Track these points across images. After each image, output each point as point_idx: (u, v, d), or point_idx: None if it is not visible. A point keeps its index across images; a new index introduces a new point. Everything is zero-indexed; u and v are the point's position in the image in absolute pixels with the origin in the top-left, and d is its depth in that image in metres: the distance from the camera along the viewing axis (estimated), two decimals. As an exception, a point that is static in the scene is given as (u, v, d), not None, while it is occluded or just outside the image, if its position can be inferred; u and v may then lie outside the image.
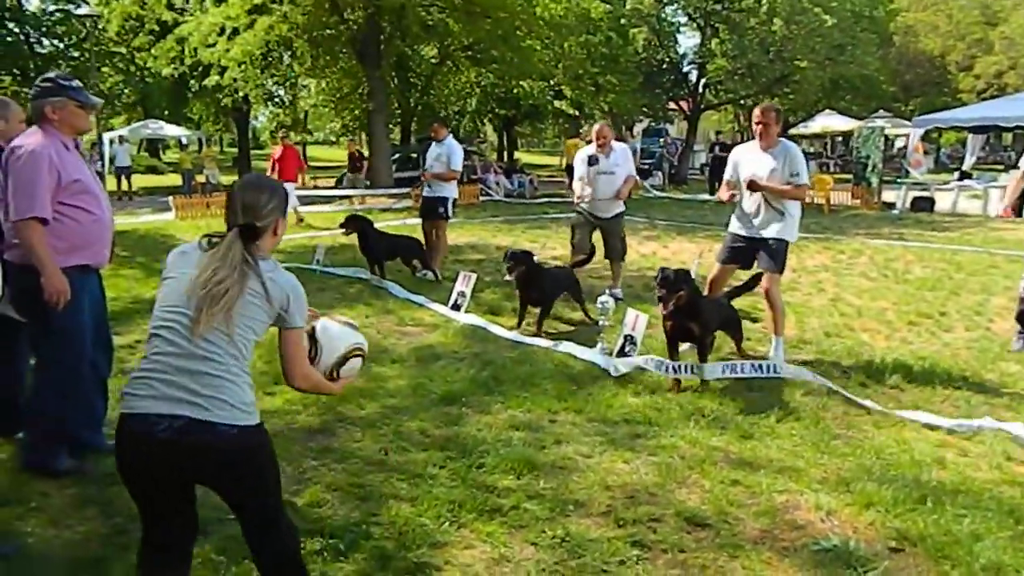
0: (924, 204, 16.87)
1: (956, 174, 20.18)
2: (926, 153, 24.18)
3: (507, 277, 6.27)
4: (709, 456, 3.79)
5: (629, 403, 4.51)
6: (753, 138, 5.50)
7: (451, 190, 8.69)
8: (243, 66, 19.31)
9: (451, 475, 3.56)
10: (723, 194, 5.58)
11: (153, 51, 19.54)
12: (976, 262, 9.68)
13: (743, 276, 5.73)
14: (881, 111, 31.36)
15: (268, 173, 14.20)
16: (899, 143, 30.16)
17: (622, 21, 27.19)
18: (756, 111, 5.43)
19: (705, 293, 5.54)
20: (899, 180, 18.87)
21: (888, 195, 17.88)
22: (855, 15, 30.14)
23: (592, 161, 7.22)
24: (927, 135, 22.74)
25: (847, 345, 5.91)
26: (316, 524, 3.09)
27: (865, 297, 7.73)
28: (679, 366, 4.84)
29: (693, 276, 5.08)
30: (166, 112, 30.19)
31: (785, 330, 6.06)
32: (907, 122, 24.07)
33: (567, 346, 5.65)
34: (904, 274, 9.01)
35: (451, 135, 8.84)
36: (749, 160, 5.45)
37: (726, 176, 5.67)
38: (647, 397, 4.63)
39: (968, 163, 20.83)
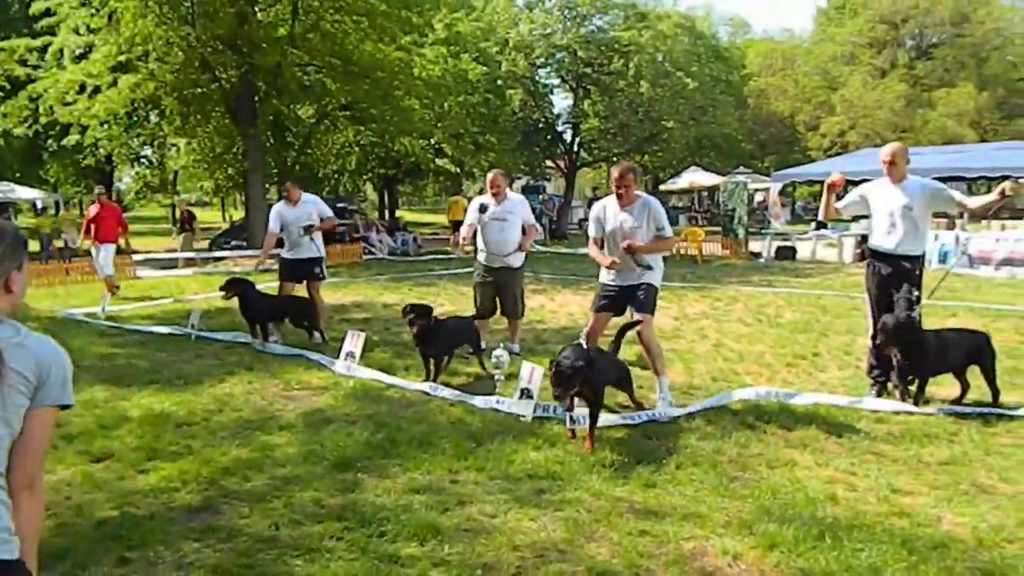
0: (787, 253, 17.99)
1: (813, 224, 21.69)
2: (784, 206, 25.98)
3: (413, 330, 6.14)
4: (615, 507, 3.75)
5: (531, 458, 4.43)
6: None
7: (322, 248, 8.31)
8: (106, 125, 18.37)
9: (350, 547, 3.34)
10: (603, 260, 5.56)
11: (2, 109, 18.27)
12: (839, 305, 10.33)
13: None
14: (741, 167, 33.48)
15: (81, 235, 13.52)
16: (759, 197, 32.25)
17: (499, 82, 27.95)
18: (614, 173, 5.55)
19: (586, 343, 5.47)
20: (763, 231, 20.09)
21: (754, 245, 18.97)
22: (714, 79, 32.40)
23: (483, 208, 7.15)
24: (784, 189, 24.44)
25: (733, 389, 6.08)
26: (202, 614, 2.80)
27: (744, 341, 8.05)
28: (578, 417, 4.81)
29: (581, 340, 5.23)
30: (18, 174, 28.20)
31: (674, 376, 6.22)
32: (765, 177, 25.79)
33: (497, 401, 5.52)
34: (776, 318, 9.48)
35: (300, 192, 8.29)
36: (611, 216, 5.57)
37: (591, 233, 5.74)
38: (548, 451, 4.56)
39: (822, 214, 22.41)
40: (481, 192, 7.46)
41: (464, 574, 3.12)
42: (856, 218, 22.50)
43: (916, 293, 5.49)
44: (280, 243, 8.43)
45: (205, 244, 23.21)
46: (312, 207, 8.18)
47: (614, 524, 3.56)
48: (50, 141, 20.36)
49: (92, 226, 12.51)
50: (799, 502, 3.79)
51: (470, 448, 4.59)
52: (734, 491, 3.95)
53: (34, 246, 22.68)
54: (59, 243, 21.70)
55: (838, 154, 31.26)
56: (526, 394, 5.29)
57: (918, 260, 5.58)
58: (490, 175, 7.37)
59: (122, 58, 17.11)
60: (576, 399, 4.85)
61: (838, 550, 3.24)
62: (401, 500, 3.84)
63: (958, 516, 3.64)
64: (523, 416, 5.19)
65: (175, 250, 21.83)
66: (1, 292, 1.81)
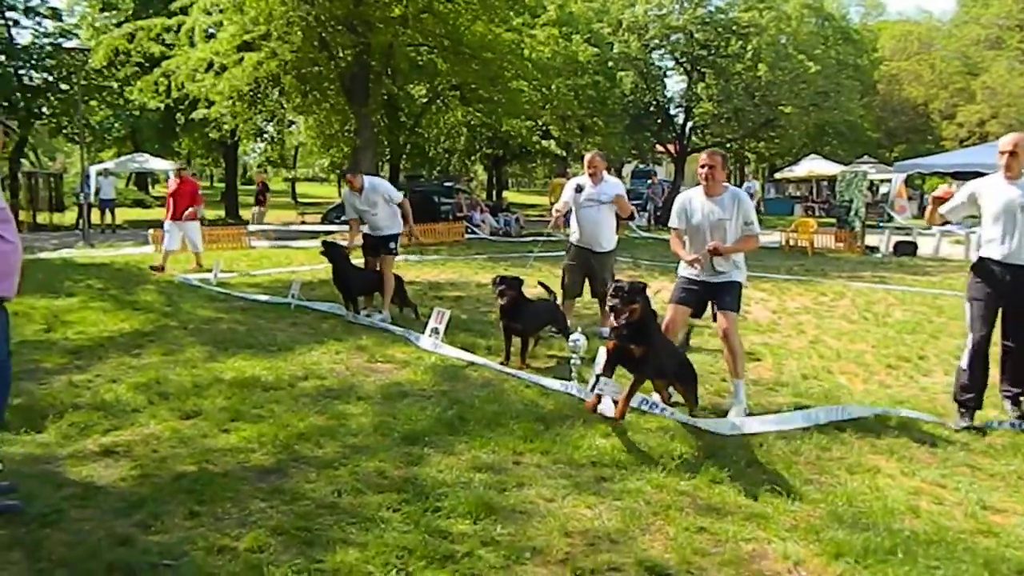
0: (907, 248, 16.94)
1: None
2: (910, 199, 24.43)
3: (500, 301, 6.19)
4: (676, 502, 3.64)
5: (597, 445, 4.37)
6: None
7: (398, 226, 8.27)
8: (231, 101, 19.34)
9: (405, 519, 3.40)
10: (686, 256, 5.27)
11: (138, 84, 19.54)
12: (956, 307, 9.58)
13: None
14: (866, 156, 31.72)
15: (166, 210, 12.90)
16: (883, 188, 30.49)
17: (609, 64, 27.55)
18: (704, 156, 5.20)
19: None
20: (882, 224, 18.98)
21: (871, 239, 17.96)
22: (839, 63, 30.79)
23: (579, 188, 7.11)
24: (911, 181, 22.98)
25: (824, 388, 5.81)
26: (254, 571, 2.92)
27: (844, 340, 7.65)
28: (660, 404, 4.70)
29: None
30: (156, 147, 30.17)
31: (762, 371, 5.98)
32: (890, 167, 24.30)
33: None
34: (885, 317, 8.96)
35: (366, 177, 8.23)
36: (697, 208, 5.23)
37: (674, 224, 5.40)
38: (616, 439, 4.48)
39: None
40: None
41: (512, 556, 3.11)
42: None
43: None
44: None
45: (318, 218, 24.14)
46: (377, 193, 8.10)
47: (672, 518, 3.46)
48: (179, 115, 21.53)
49: (171, 200, 12.49)
50: (876, 511, 3.57)
51: (538, 431, 4.58)
52: (806, 494, 3.76)
53: (163, 214, 24.29)
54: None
55: (975, 144, 29.05)
56: (601, 379, 5.20)
57: None
58: (588, 156, 7.33)
59: (247, 37, 17.92)
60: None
61: (910, 565, 3.03)
62: (462, 477, 3.87)
63: (1054, 541, 3.33)
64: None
65: (290, 223, 22.83)
66: None
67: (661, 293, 10.48)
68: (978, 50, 41.26)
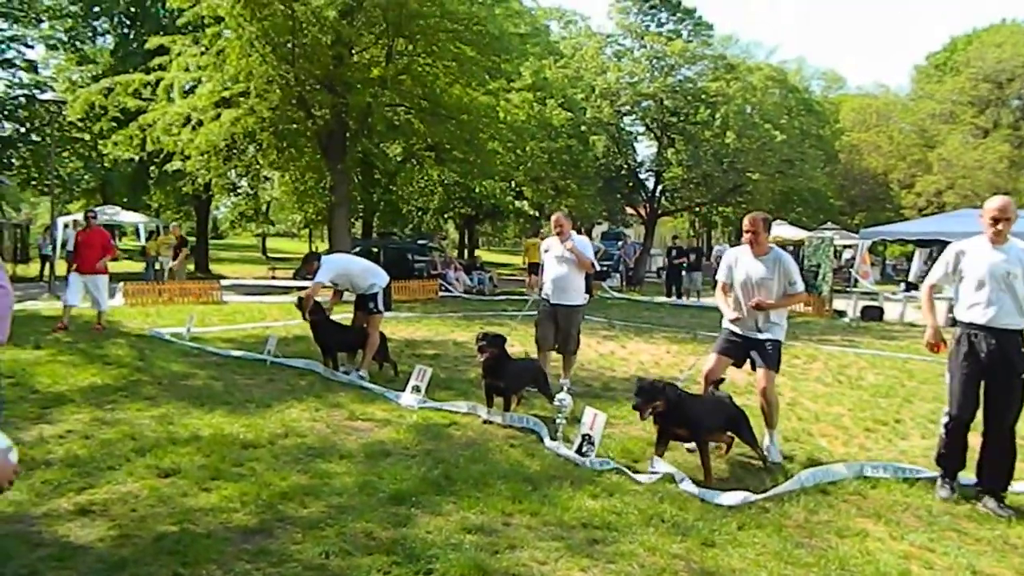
0: (873, 313, 17.28)
1: (902, 285, 20.83)
2: (873, 264, 25.06)
3: (479, 357, 6.25)
4: (669, 565, 3.61)
5: (587, 506, 4.33)
6: (738, 243, 5.79)
7: (379, 284, 8.16)
8: (206, 156, 19.37)
9: (396, 582, 3.32)
10: (728, 314, 5.67)
11: (114, 137, 19.51)
12: (927, 371, 9.82)
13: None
14: (829, 223, 32.60)
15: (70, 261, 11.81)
16: (847, 254, 31.26)
17: (582, 128, 28.16)
18: (746, 221, 5.61)
19: (701, 387, 5.70)
20: (848, 289, 19.40)
21: (839, 303, 18.31)
22: (803, 133, 31.87)
23: (547, 248, 7.53)
24: (873, 247, 23.61)
25: (806, 450, 5.85)
26: (244, 636, 2.82)
27: (821, 402, 7.73)
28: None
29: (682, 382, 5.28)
30: (125, 199, 29.96)
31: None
32: (854, 234, 24.98)
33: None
34: (858, 380, 9.08)
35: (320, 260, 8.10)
36: (743, 265, 5.60)
37: (721, 278, 5.80)
38: (606, 500, 4.45)
39: (914, 275, 21.58)
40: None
41: (508, 620, 3.05)
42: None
43: (1023, 377, 4.60)
44: None
45: (290, 273, 24.02)
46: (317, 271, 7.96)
47: (668, 582, 3.42)
48: (154, 168, 21.47)
49: (79, 250, 11.31)
50: (869, 575, 3.57)
51: (526, 491, 4.53)
52: (798, 558, 3.75)
53: (131, 266, 24.01)
54: (157, 265, 22.83)
55: (933, 214, 30.03)
56: (587, 440, 5.19)
57: (1022, 335, 4.68)
58: (554, 216, 7.63)
59: (226, 94, 18.07)
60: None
61: (908, 631, 3.02)
62: (452, 539, 3.80)
63: (1046, 607, 3.35)
64: (582, 462, 5.09)
65: (261, 277, 22.67)
66: None
67: (636, 355, 10.55)
68: (934, 123, 43.07)
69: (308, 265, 8.15)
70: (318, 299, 8.22)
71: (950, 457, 4.80)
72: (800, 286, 5.57)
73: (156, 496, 4.23)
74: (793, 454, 5.72)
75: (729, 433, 5.46)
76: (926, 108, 44.23)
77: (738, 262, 5.68)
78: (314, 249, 36.26)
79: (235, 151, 23.89)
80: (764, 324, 5.55)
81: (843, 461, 5.41)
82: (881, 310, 17.41)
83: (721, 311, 5.82)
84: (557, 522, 4.11)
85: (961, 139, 40.25)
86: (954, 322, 4.97)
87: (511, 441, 5.70)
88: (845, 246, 31.37)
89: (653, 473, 4.90)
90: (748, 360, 5.66)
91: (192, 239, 28.16)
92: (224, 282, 18.43)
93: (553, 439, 5.54)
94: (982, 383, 4.71)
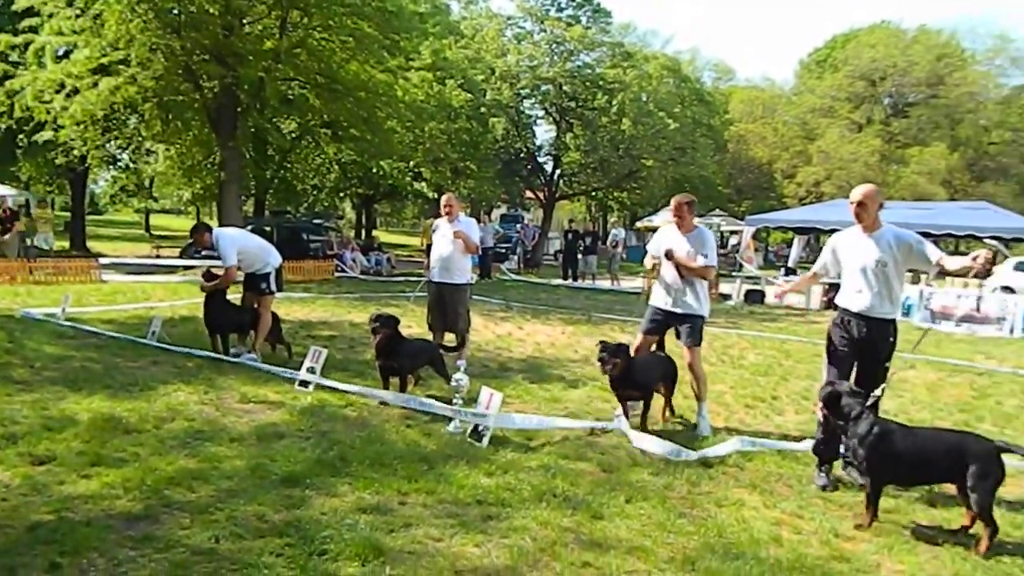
0: (756, 296, 18.19)
1: (783, 270, 22.00)
2: (756, 250, 26.32)
3: (373, 339, 6.31)
4: (561, 537, 3.73)
5: (482, 483, 4.41)
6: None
7: (270, 264, 7.97)
8: (82, 126, 18.21)
9: (289, 564, 3.29)
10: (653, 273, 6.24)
11: (-22, 103, 18.05)
12: (802, 351, 10.45)
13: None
14: (718, 210, 34.03)
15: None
16: (733, 240, 32.71)
17: (482, 110, 28.17)
18: (672, 203, 6.13)
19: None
20: (733, 274, 20.33)
21: (724, 287, 19.16)
22: (695, 122, 33.00)
23: (435, 228, 7.70)
24: (758, 234, 24.81)
25: (689, 426, 6.13)
26: (129, 624, 2.74)
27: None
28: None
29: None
30: (-10, 170, 27.79)
31: (636, 409, 6.23)
32: (740, 221, 26.15)
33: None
34: (739, 360, 9.57)
35: (214, 232, 7.82)
36: (670, 240, 6.10)
37: (650, 250, 6.32)
38: (500, 478, 4.54)
39: (793, 260, 22.82)
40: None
41: (402, 597, 3.09)
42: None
43: (887, 364, 4.80)
44: None
45: (176, 252, 23.00)
46: (218, 249, 7.71)
47: (558, 554, 3.55)
48: (22, 137, 19.96)
49: None
50: (743, 542, 3.81)
51: (422, 470, 4.56)
52: (680, 527, 3.95)
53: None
54: (29, 240, 21.40)
55: (812, 203, 31.81)
56: (483, 419, 5.27)
57: (892, 324, 4.84)
58: (444, 197, 7.77)
59: (104, 60, 17.01)
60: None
61: (777, 591, 3.26)
62: (347, 519, 3.80)
63: (897, 564, 3.68)
64: (477, 443, 5.17)
65: (144, 256, 21.63)
66: None
67: (533, 336, 10.72)
68: (814, 117, 45.47)
69: (199, 236, 7.80)
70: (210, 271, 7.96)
71: (826, 448, 4.90)
72: (711, 260, 6.01)
73: (30, 484, 4.02)
74: (677, 429, 5.99)
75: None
76: (808, 102, 46.61)
77: (667, 238, 6.14)
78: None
79: (115, 122, 22.60)
80: (687, 300, 6.01)
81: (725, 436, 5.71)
82: (763, 293, 18.33)
83: (650, 285, 6.42)
84: (452, 500, 4.17)
85: (838, 133, 42.66)
86: (829, 304, 5.33)
87: (407, 422, 5.72)
88: (732, 232, 32.85)
89: (618, 418, 5.73)
90: (676, 333, 6.16)
91: (67, 215, 26.42)
92: (103, 260, 17.42)
93: (457, 427, 5.54)
94: (855, 364, 4.90)
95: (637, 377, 5.84)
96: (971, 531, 3.97)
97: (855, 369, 4.91)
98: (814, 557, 3.69)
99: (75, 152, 20.87)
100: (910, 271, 5.51)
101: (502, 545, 3.62)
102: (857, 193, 4.83)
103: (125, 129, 24.24)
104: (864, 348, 4.81)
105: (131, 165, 30.07)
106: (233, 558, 3.32)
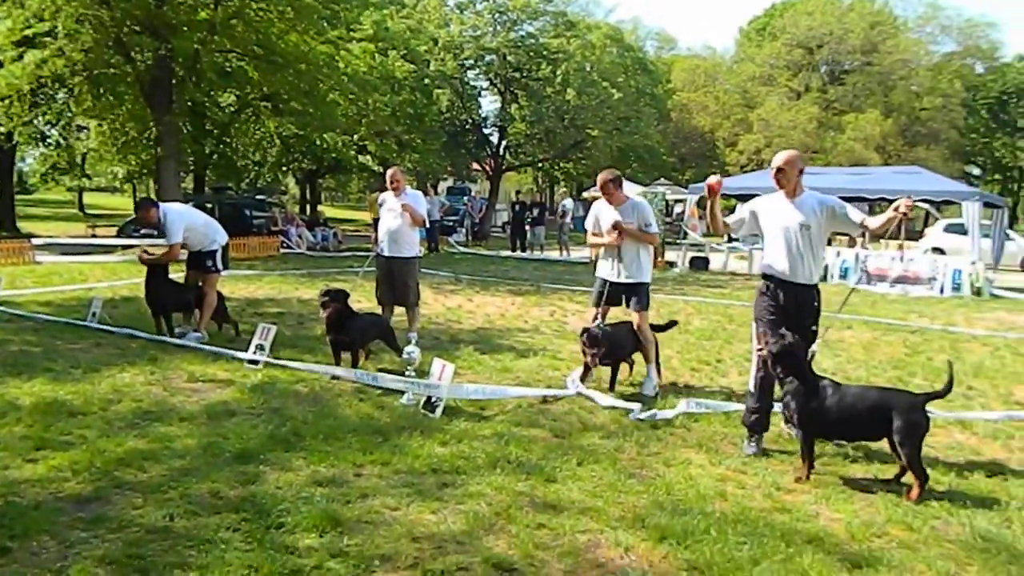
0: (700, 263, 18.57)
1: (726, 237, 22.43)
2: (700, 218, 26.79)
3: (322, 314, 6.33)
4: (515, 501, 3.83)
5: (436, 453, 4.47)
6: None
7: (217, 242, 7.82)
8: (7, 101, 17.44)
9: (246, 538, 3.31)
10: (607, 240, 6.18)
11: None
12: (745, 315, 10.70)
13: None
14: (662, 179, 34.37)
15: None
16: (678, 208, 33.15)
17: (426, 82, 27.84)
18: (599, 180, 6.24)
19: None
20: (679, 242, 20.67)
21: (670, 255, 19.49)
22: (638, 91, 33.19)
23: (382, 203, 7.72)
24: (701, 202, 25.19)
25: (636, 390, 6.29)
26: (85, 604, 2.73)
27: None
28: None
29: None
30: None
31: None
32: (684, 189, 26.50)
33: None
34: (685, 325, 9.78)
35: (161, 208, 7.62)
36: (605, 215, 6.23)
37: (589, 227, 6.46)
38: (455, 446, 4.61)
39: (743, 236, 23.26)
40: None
41: (361, 565, 3.13)
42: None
43: (814, 328, 4.85)
44: None
45: (113, 231, 22.34)
46: (165, 226, 7.56)
47: (513, 517, 3.64)
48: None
49: None
50: (691, 498, 3.96)
51: (376, 443, 4.60)
52: (630, 487, 4.08)
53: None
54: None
55: (753, 170, 32.39)
56: (436, 390, 5.32)
57: (816, 289, 4.88)
58: (389, 171, 7.78)
59: (28, 32, 16.27)
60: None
61: (722, 543, 3.40)
62: (303, 492, 3.82)
63: (835, 512, 3.87)
64: (430, 414, 5.22)
65: (78, 236, 20.96)
66: None
67: (483, 307, 10.79)
68: (754, 85, 46.16)
69: (146, 212, 7.63)
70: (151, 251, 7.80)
71: (756, 421, 4.87)
72: (654, 228, 6.29)
73: (-28, 471, 3.93)
74: (626, 394, 6.14)
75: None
76: (748, 71, 47.27)
77: (601, 213, 6.30)
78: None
79: (43, 97, 21.70)
80: (631, 269, 6.19)
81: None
82: (707, 260, 18.73)
83: (592, 255, 6.47)
84: (408, 470, 4.22)
85: (777, 101, 43.45)
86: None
87: (360, 395, 5.73)
88: (676, 201, 33.29)
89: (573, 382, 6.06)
90: (624, 300, 6.31)
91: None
92: (36, 241, 16.83)
93: (410, 399, 5.56)
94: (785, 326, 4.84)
95: (614, 349, 6.10)
96: (903, 480, 4.19)
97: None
98: (757, 509, 3.86)
99: (0, 129, 19.99)
100: (842, 234, 5.64)
101: (458, 511, 3.69)
102: (778, 159, 4.83)
103: (54, 104, 23.31)
104: (790, 313, 4.79)
105: (62, 142, 28.91)
106: (189, 535, 3.32)
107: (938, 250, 19.31)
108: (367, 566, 3.13)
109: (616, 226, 6.09)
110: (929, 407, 4.25)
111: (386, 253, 7.62)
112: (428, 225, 20.82)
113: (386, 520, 3.57)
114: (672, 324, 7.09)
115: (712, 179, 4.98)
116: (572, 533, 3.51)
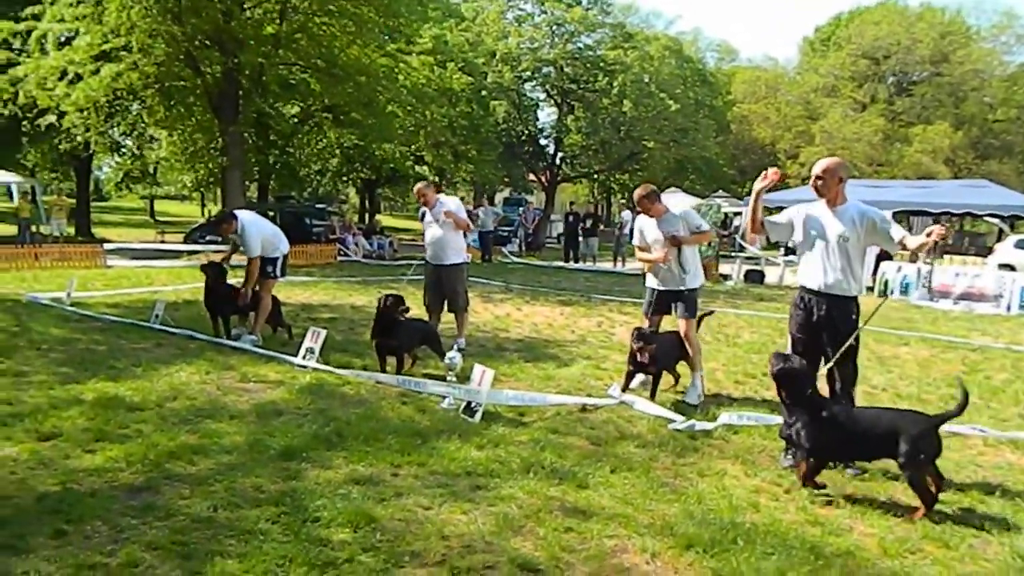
0: (756, 276, 18.29)
1: (782, 250, 22.05)
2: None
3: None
4: (545, 505, 3.89)
5: (472, 456, 4.56)
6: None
7: (279, 250, 8.07)
8: (85, 112, 18.34)
9: (283, 530, 3.45)
10: (656, 257, 6.22)
11: (-18, 90, 18.19)
12: (797, 328, 10.54)
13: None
14: (720, 191, 33.92)
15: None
16: (736, 221, 32.69)
17: (483, 93, 28.19)
18: (636, 196, 6.31)
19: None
20: (733, 254, 20.41)
21: (724, 268, 19.25)
22: (697, 103, 32.91)
23: (422, 216, 8.00)
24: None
25: (678, 396, 6.28)
26: (130, 584, 2.90)
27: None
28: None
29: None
30: (-5, 157, 27.94)
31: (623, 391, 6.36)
32: (740, 201, 26.14)
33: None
34: (734, 338, 9.69)
35: (240, 221, 7.90)
36: (649, 229, 6.33)
37: (636, 242, 6.54)
38: (491, 450, 4.69)
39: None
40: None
41: (391, 560, 3.24)
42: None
43: (853, 344, 4.63)
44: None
45: (180, 237, 23.18)
46: (247, 236, 7.82)
47: (542, 520, 3.70)
48: (26, 124, 20.12)
49: None
50: (722, 508, 3.95)
51: (415, 444, 4.72)
52: (662, 495, 4.10)
53: (11, 229, 22.61)
54: (46, 229, 21.62)
55: (814, 183, 31.73)
56: (475, 395, 5.42)
57: (853, 302, 4.73)
58: (416, 188, 8.11)
59: (105, 47, 17.12)
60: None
61: (749, 552, 3.40)
62: (340, 490, 3.95)
63: (869, 527, 3.82)
64: (469, 418, 5.32)
65: (148, 241, 21.80)
66: None
67: (531, 317, 10.87)
68: (817, 96, 45.23)
69: (226, 224, 7.96)
70: (215, 260, 8.14)
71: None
72: (705, 226, 6.39)
73: (37, 459, 4.19)
74: (668, 402, 6.12)
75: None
76: (811, 81, 46.37)
77: (645, 227, 6.37)
78: (208, 213, 34.97)
79: (117, 108, 22.71)
80: (678, 276, 6.25)
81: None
82: (763, 274, 18.44)
83: (643, 266, 6.57)
84: (443, 471, 4.32)
85: (841, 112, 42.49)
86: None
87: (403, 399, 5.87)
88: (736, 213, 32.83)
89: (611, 398, 5.97)
90: (672, 308, 6.35)
91: (72, 201, 26.59)
92: (108, 246, 17.61)
93: (450, 403, 5.66)
94: (821, 344, 4.76)
95: (659, 357, 6.09)
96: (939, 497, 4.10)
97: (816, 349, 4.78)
98: (789, 521, 3.83)
99: (78, 139, 21.01)
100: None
101: (489, 513, 3.77)
102: (817, 167, 4.73)
103: (128, 115, 24.36)
104: (825, 328, 4.69)
105: (135, 151, 30.21)
106: (231, 525, 3.48)
107: (1008, 266, 18.60)
108: (396, 561, 3.23)
109: (675, 241, 6.13)
110: (980, 426, 4.15)
111: (433, 262, 7.82)
112: (479, 234, 21.07)
113: (418, 519, 3.67)
114: (707, 314, 7.11)
115: (773, 169, 4.92)
116: (599, 538, 3.55)
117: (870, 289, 15.02)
